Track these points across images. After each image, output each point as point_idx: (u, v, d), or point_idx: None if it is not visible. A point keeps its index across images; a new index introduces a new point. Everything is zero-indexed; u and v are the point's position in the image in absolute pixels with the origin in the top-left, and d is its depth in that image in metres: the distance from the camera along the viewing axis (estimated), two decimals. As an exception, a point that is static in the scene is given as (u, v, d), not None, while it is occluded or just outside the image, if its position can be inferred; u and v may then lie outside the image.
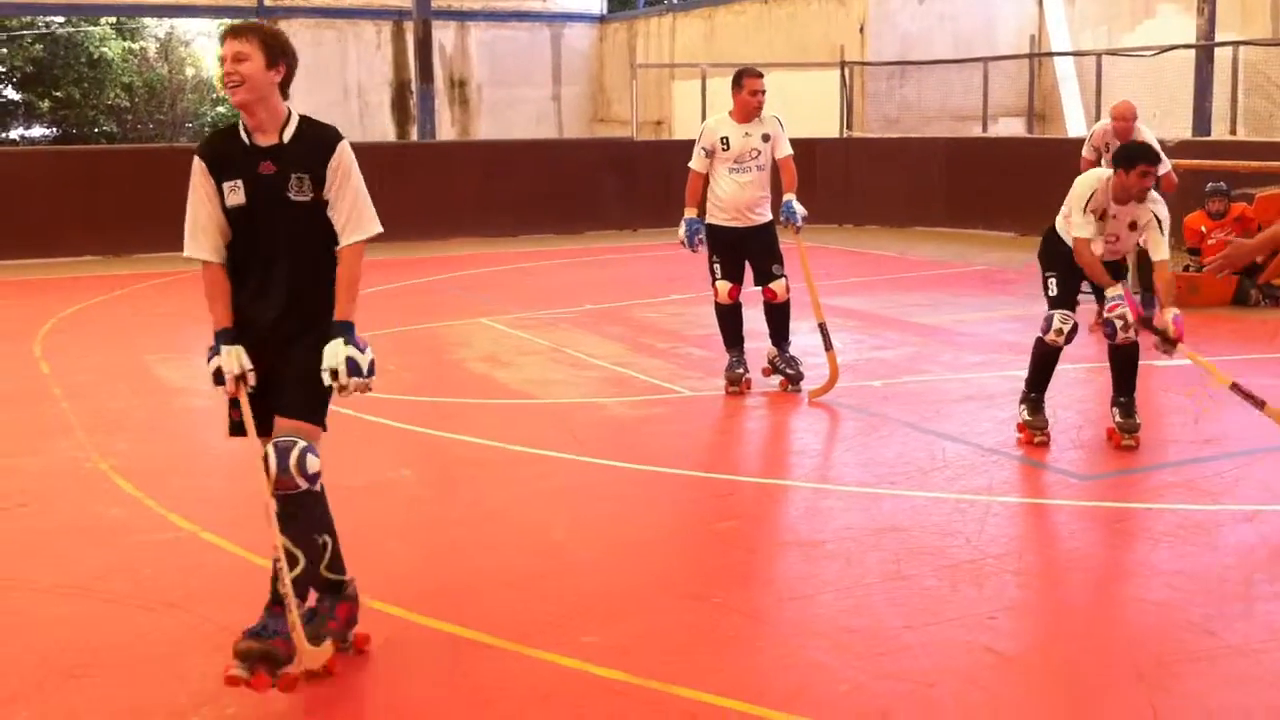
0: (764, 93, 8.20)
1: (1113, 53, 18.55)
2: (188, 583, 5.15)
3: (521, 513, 6.06)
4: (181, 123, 35.59)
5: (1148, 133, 10.23)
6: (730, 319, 8.39)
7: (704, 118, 20.59)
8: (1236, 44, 16.93)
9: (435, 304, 12.56)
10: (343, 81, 27.56)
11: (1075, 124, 21.21)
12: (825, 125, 20.20)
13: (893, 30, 21.97)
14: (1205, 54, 16.82)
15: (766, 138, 8.21)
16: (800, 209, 8.17)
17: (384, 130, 27.78)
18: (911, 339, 10.15)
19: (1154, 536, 5.51)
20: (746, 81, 8.20)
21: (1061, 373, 8.67)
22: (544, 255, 16.15)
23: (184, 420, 8.19)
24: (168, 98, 36.40)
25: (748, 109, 8.20)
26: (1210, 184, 11.69)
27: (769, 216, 8.31)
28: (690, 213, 8.26)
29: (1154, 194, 7.01)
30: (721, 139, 8.24)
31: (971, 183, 18.16)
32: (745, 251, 8.30)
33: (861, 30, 21.88)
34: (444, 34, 27.41)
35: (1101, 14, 22.03)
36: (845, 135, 20.50)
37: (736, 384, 8.31)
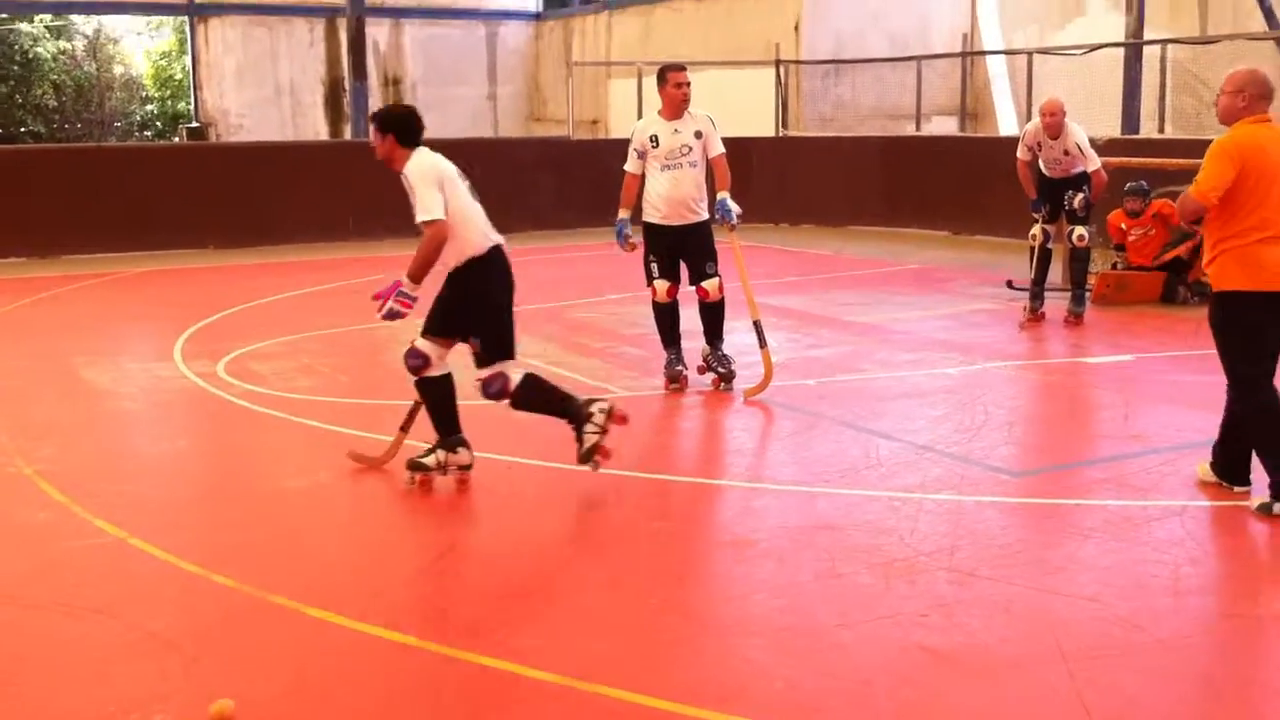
0: (689, 85, 8.21)
1: (1044, 51, 18.75)
2: (115, 589, 5.07)
3: (454, 514, 6.02)
4: (110, 122, 35.05)
5: (1078, 130, 10.37)
6: (667, 317, 8.41)
7: (639, 116, 20.68)
8: (1165, 42, 17.18)
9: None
10: (275, 79, 27.28)
11: (1007, 122, 21.43)
12: (760, 124, 20.27)
13: (827, 29, 22.09)
14: (1134, 52, 17.06)
15: (698, 134, 8.21)
16: (735, 206, 8.15)
17: (317, 129, 27.53)
18: (846, 337, 10.21)
19: (1084, 532, 5.57)
20: (671, 75, 8.23)
21: (991, 371, 8.78)
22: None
23: (112, 424, 8.06)
24: (96, 96, 35.85)
25: (674, 103, 8.22)
26: (1129, 183, 11.85)
27: (705, 215, 8.32)
28: (622, 213, 8.29)
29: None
30: (651, 137, 8.25)
31: (906, 181, 18.30)
32: (681, 250, 8.31)
33: (796, 28, 21.97)
34: (378, 31, 27.21)
35: (1033, 13, 22.27)
36: (780, 134, 20.58)
37: (676, 380, 8.33)
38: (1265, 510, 5.69)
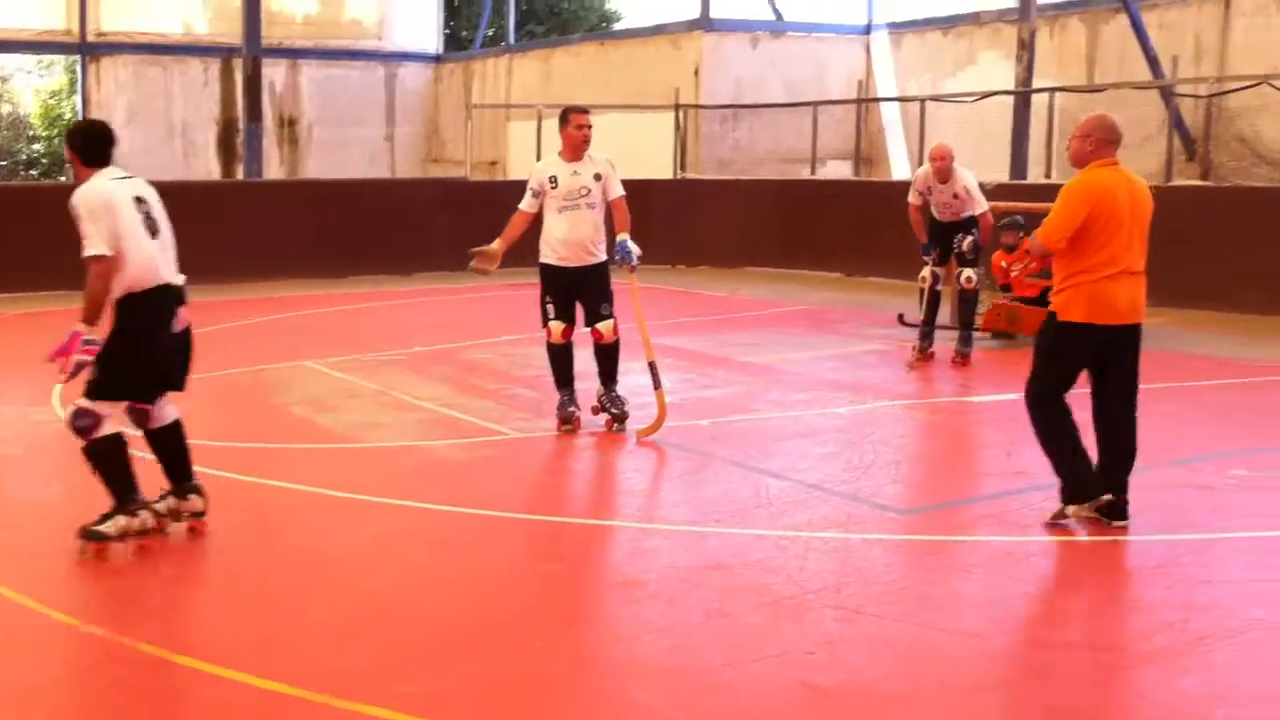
0: (590, 127, 8.23)
1: (935, 98, 19.16)
2: (-20, 641, 4.90)
3: (340, 561, 5.91)
4: (-4, 160, 34.32)
5: (967, 174, 10.59)
6: (562, 359, 8.38)
7: (539, 158, 20.72)
8: (1053, 90, 17.65)
9: (258, 347, 12.27)
10: (168, 120, 26.90)
11: (900, 167, 21.84)
12: (660, 166, 20.41)
13: (726, 74, 22.35)
14: (1023, 100, 17.49)
15: (598, 177, 8.22)
16: (635, 248, 8.16)
17: (209, 169, 27.16)
18: (739, 378, 10.26)
19: (967, 568, 5.63)
20: (573, 117, 8.25)
21: (880, 411, 8.89)
22: (373, 297, 15.90)
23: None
24: (-17, 135, 35.08)
25: (575, 144, 8.24)
26: (1003, 219, 12.02)
27: (602, 256, 8.31)
28: (496, 243, 8.23)
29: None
30: (550, 178, 8.25)
31: (801, 223, 18.54)
32: (578, 292, 8.31)
33: (696, 73, 22.20)
34: (274, 71, 26.98)
35: (926, 61, 22.76)
36: (679, 176, 20.74)
37: (569, 422, 8.29)
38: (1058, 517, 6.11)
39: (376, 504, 6.68)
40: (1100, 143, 6.03)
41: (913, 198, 10.80)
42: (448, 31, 31.15)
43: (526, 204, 8.30)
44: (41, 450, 8.14)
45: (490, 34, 31.27)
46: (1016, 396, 9.06)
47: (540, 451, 7.97)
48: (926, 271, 10.80)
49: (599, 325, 8.26)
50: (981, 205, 10.58)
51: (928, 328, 10.83)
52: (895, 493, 6.87)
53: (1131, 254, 5.98)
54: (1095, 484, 6.06)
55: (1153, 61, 18.21)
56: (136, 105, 26.67)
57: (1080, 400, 6.17)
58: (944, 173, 10.48)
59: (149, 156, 26.28)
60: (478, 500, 6.75)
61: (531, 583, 5.61)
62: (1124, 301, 5.98)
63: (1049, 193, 13.89)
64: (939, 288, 10.86)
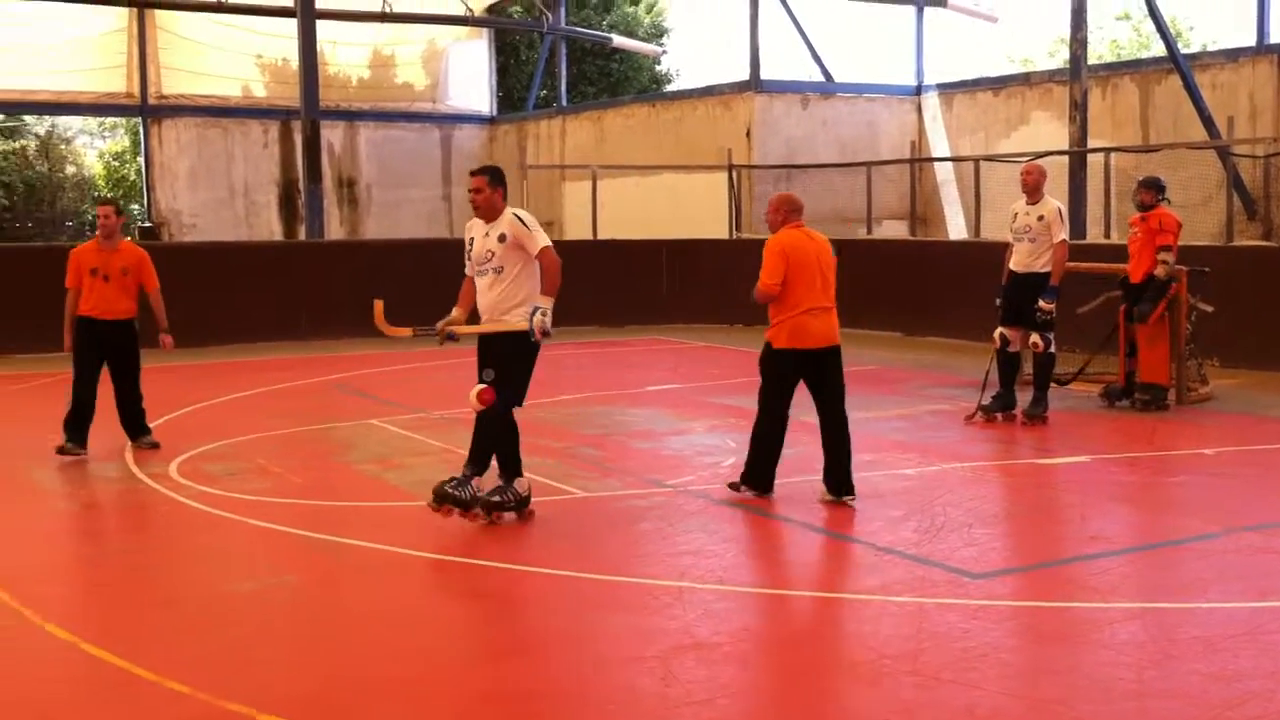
0: (479, 192, 7.41)
1: (989, 158, 19.15)
2: (65, 694, 4.94)
3: (405, 618, 5.92)
4: (61, 221, 34.97)
5: (1055, 202, 10.58)
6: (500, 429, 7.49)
7: (594, 218, 20.91)
8: (1108, 150, 17.60)
9: (324, 405, 12.38)
10: (229, 181, 27.34)
11: (956, 226, 21.81)
12: (710, 226, 20.48)
13: (778, 134, 22.47)
14: (1078, 160, 17.47)
15: (502, 238, 7.37)
16: (541, 319, 7.18)
17: (271, 229, 27.55)
18: (802, 438, 10.16)
19: (1046, 634, 5.56)
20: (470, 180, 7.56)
21: (948, 472, 8.82)
22: (437, 355, 15.95)
23: (62, 526, 7.91)
24: (47, 196, 35.78)
25: (475, 210, 7.54)
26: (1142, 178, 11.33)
27: (517, 325, 7.31)
28: (455, 311, 7.63)
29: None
30: (469, 239, 7.60)
31: (857, 283, 18.48)
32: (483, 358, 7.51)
33: (748, 134, 22.33)
34: (333, 133, 27.40)
35: (978, 121, 22.80)
36: (734, 236, 20.80)
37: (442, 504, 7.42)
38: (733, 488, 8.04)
39: (445, 561, 6.70)
40: (788, 212, 8.16)
41: (1007, 234, 10.83)
42: (500, 93, 31.51)
43: (467, 267, 7.66)
44: (118, 507, 8.25)
45: (542, 94, 31.63)
46: (1089, 459, 9.03)
47: (605, 511, 7.96)
48: (997, 334, 10.71)
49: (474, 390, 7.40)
50: (1061, 233, 10.46)
51: (1001, 389, 10.71)
52: (969, 556, 6.79)
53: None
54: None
55: (1207, 121, 18.16)
56: (198, 167, 27.14)
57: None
58: (1033, 189, 10.44)
59: (211, 217, 26.77)
60: (543, 559, 6.76)
61: (597, 643, 5.58)
62: (815, 332, 7.84)
63: (1110, 252, 13.95)
64: (1011, 349, 10.74)
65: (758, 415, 8.12)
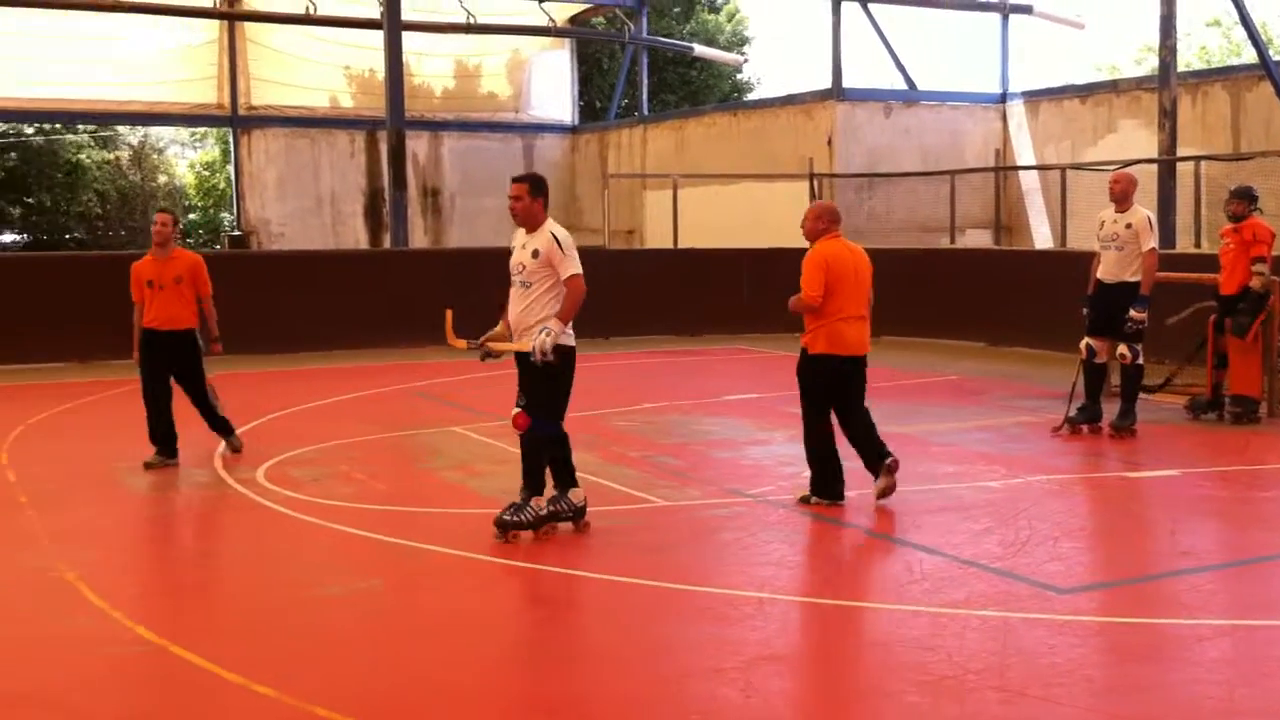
0: (518, 199, 7.28)
1: (1076, 167, 18.89)
2: (155, 698, 5.04)
3: (487, 623, 5.96)
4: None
5: (1145, 211, 10.41)
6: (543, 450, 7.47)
7: (675, 227, 20.93)
8: (1198, 159, 17.29)
9: (408, 412, 12.52)
10: (316, 190, 27.77)
11: (1041, 235, 21.53)
12: (795, 235, 20.35)
13: (859, 143, 22.35)
14: (1167, 169, 17.17)
15: (535, 254, 7.24)
16: (543, 340, 7.06)
17: (357, 238, 27.94)
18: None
19: (1134, 651, 5.48)
20: (511, 187, 7.38)
21: (1033, 485, 8.71)
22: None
23: (153, 530, 8.08)
24: (139, 205, 36.55)
25: (512, 215, 7.43)
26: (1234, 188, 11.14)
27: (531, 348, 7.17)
28: (499, 325, 7.57)
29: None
30: (510, 248, 7.50)
31: (941, 292, 18.33)
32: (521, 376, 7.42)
33: (829, 143, 22.24)
34: (417, 143, 27.71)
35: (1064, 129, 22.51)
36: (815, 245, 20.69)
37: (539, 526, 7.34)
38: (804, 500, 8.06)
39: (524, 569, 6.74)
40: (830, 222, 8.16)
41: (1094, 244, 10.68)
42: (582, 103, 31.69)
43: None
44: (208, 511, 8.39)
45: (624, 103, 31.76)
46: (1178, 473, 8.88)
47: (685, 520, 7.96)
48: (1084, 344, 10.56)
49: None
50: (1151, 241, 10.28)
51: (1086, 400, 10.55)
52: (1055, 570, 6.70)
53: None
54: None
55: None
56: (287, 176, 27.59)
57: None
58: (1121, 197, 10.30)
59: (299, 225, 27.21)
60: (625, 568, 6.78)
61: (678, 653, 5.57)
62: (852, 339, 8.05)
63: (1200, 262, 13.69)
64: (1098, 360, 10.59)
65: (805, 432, 8.18)
